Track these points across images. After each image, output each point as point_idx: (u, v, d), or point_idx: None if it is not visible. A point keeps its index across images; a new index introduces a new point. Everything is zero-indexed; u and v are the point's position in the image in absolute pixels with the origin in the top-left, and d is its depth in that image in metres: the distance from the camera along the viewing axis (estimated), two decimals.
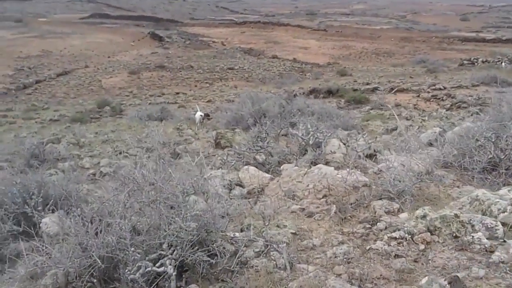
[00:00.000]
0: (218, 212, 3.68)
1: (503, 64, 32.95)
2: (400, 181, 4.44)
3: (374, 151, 6.23)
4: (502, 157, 4.71)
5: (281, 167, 5.90)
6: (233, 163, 7.09)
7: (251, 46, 51.32)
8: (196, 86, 30.11)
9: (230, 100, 21.96)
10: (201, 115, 13.35)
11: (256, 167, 6.71)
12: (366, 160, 6.00)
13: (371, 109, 17.15)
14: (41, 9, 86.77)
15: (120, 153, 9.79)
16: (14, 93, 26.79)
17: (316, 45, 53.36)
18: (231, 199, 5.11)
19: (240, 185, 5.75)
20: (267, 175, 5.70)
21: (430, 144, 7.88)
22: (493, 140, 4.79)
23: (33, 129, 16.06)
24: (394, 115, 15.67)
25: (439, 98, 19.45)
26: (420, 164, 5.01)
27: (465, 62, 37.36)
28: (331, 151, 6.07)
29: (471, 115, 15.56)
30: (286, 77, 32.72)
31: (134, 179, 3.88)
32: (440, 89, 21.21)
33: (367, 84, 25.07)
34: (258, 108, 12.94)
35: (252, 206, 4.77)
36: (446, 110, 17.57)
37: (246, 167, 5.95)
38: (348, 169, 5.26)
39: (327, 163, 5.72)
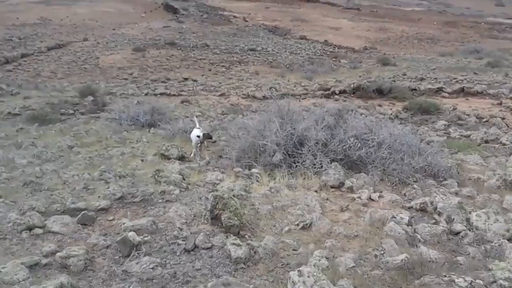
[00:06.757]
0: None
1: None
2: None
3: None
4: None
5: None
6: None
7: (276, 24, 45.87)
8: (210, 70, 25.11)
9: (249, 94, 17.03)
10: (198, 136, 8.38)
11: None
12: None
13: (448, 125, 12.11)
14: None
15: (31, 230, 5.09)
16: None
17: (348, 25, 47.62)
18: None
19: None
20: None
21: None
22: None
23: None
24: (487, 143, 10.61)
25: None
26: None
27: None
28: None
29: None
30: (317, 63, 27.53)
31: None
32: None
33: (422, 79, 19.85)
34: (291, 131, 7.95)
35: None
36: None
37: None
38: None
39: None
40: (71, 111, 14.12)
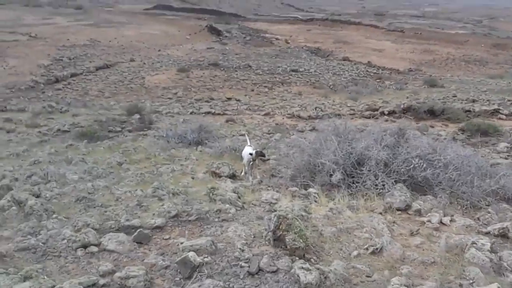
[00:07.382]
0: None
1: None
2: None
3: None
4: None
5: None
6: None
7: (318, 46, 45.75)
8: (252, 90, 25.06)
9: (294, 114, 16.72)
10: (251, 154, 8.11)
11: None
12: None
13: (510, 147, 11.38)
14: None
15: (86, 247, 4.88)
16: (41, 88, 22.94)
17: (392, 47, 46.93)
18: None
19: None
20: None
21: None
22: None
23: (24, 145, 11.70)
24: None
25: None
26: None
27: None
28: None
29: None
30: (361, 84, 27.05)
31: None
32: None
33: (473, 101, 19.04)
34: (349, 150, 7.55)
35: None
36: None
37: None
38: None
39: None
40: (119, 129, 14.21)
